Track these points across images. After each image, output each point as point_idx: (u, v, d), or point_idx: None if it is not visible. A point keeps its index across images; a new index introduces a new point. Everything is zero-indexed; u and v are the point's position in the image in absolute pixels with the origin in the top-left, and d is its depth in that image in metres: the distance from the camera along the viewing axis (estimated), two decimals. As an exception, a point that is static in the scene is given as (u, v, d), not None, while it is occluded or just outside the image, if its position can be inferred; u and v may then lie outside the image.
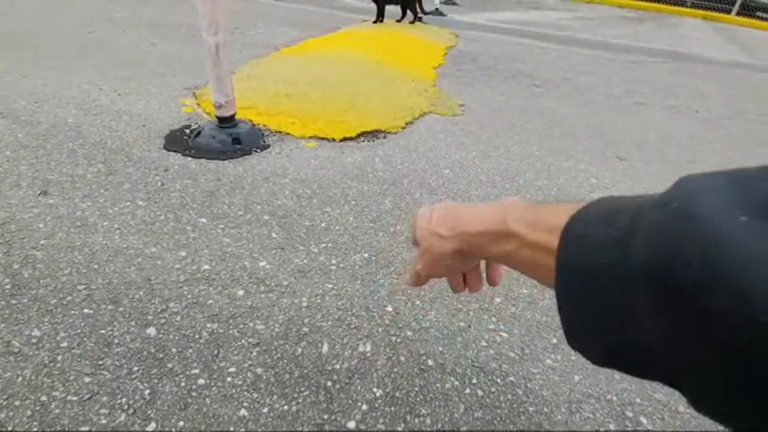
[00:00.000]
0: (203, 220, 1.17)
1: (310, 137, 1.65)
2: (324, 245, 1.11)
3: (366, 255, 1.10)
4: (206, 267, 1.01)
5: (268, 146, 1.57)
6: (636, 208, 0.20)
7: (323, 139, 1.66)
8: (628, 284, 0.18)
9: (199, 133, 1.56)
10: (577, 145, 1.90)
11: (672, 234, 0.16)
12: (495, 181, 1.52)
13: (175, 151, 1.48)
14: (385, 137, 1.73)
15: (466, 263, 0.36)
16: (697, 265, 0.15)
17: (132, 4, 3.80)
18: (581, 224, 0.23)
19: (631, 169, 1.73)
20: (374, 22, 3.95)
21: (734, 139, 2.24)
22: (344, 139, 1.66)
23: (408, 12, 4.04)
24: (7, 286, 0.92)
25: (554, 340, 0.93)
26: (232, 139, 1.52)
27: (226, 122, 1.54)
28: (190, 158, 1.45)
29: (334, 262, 1.07)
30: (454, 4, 6.03)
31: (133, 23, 3.13)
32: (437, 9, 4.99)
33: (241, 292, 0.96)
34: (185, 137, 1.58)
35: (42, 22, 2.93)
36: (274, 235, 1.14)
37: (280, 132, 1.67)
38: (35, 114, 1.66)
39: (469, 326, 0.94)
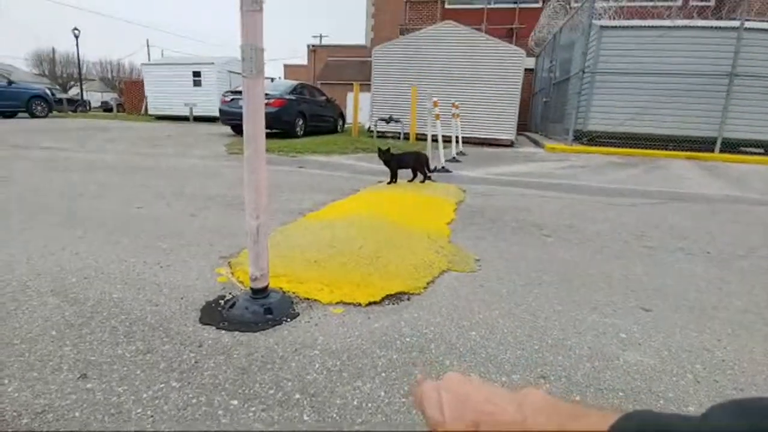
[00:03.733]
0: (235, 402, 1.16)
1: (337, 303, 1.72)
2: (357, 428, 1.08)
3: (401, 438, 1.05)
4: (237, 460, 0.97)
5: (298, 314, 1.63)
6: None
7: (349, 304, 1.72)
8: None
9: (233, 304, 1.65)
10: (597, 296, 1.92)
11: None
12: (523, 342, 1.51)
13: (209, 325, 1.54)
14: (408, 299, 1.80)
15: None
16: None
17: (175, 179, 4.36)
18: None
19: (659, 320, 1.71)
20: (388, 183, 4.41)
21: (753, 279, 2.24)
22: (370, 304, 1.72)
23: (418, 173, 4.53)
24: (34, 492, 0.89)
25: None
26: (264, 309, 1.60)
27: (259, 293, 1.63)
28: (223, 331, 1.51)
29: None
30: (457, 161, 6.76)
31: (177, 196, 3.56)
32: (443, 167, 5.58)
33: (273, 491, 0.90)
34: (219, 308, 1.66)
35: (97, 199, 3.35)
36: (305, 417, 1.11)
37: (308, 299, 1.75)
38: (84, 291, 1.79)
39: None
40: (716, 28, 8.88)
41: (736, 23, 8.69)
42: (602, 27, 9.31)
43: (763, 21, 9.07)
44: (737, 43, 8.54)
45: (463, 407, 0.33)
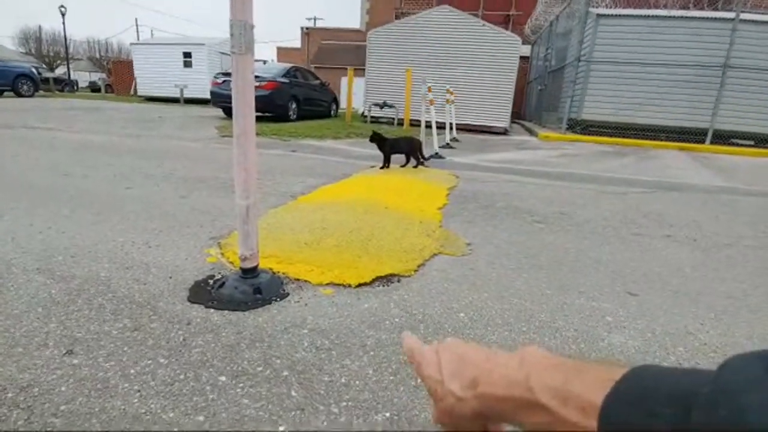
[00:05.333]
0: (223, 378, 1.16)
1: (327, 284, 1.72)
2: (344, 404, 1.09)
3: (388, 414, 1.06)
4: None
5: (287, 294, 1.63)
6: (679, 398, 0.20)
7: (339, 285, 1.73)
8: None
9: (222, 284, 1.64)
10: (585, 281, 1.94)
11: None
12: (511, 323, 1.53)
13: (198, 303, 1.54)
14: (398, 281, 1.80)
15: (491, 425, 0.32)
16: None
17: (166, 160, 4.30)
18: (620, 407, 0.22)
19: (644, 305, 1.74)
20: (381, 168, 4.38)
21: (739, 266, 2.28)
22: (360, 285, 1.72)
23: (411, 158, 4.51)
24: (20, 464, 0.88)
25: None
26: (254, 289, 1.59)
27: (249, 273, 1.63)
28: (212, 310, 1.50)
29: (355, 423, 1.03)
30: (450, 147, 6.74)
31: (167, 178, 3.51)
32: (437, 153, 5.57)
33: (259, 464, 0.91)
34: (209, 288, 1.66)
35: (85, 179, 3.30)
36: (293, 393, 1.12)
37: (298, 279, 1.75)
38: (71, 269, 1.77)
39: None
40: (712, 19, 8.87)
41: (731, 15, 8.69)
42: (599, 15, 9.26)
43: (758, 13, 9.07)
44: (732, 35, 8.56)
45: (462, 365, 0.32)
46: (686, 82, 9.06)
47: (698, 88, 9.03)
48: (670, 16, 8.98)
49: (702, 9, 9.81)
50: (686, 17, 8.95)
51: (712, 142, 8.95)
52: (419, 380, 1.20)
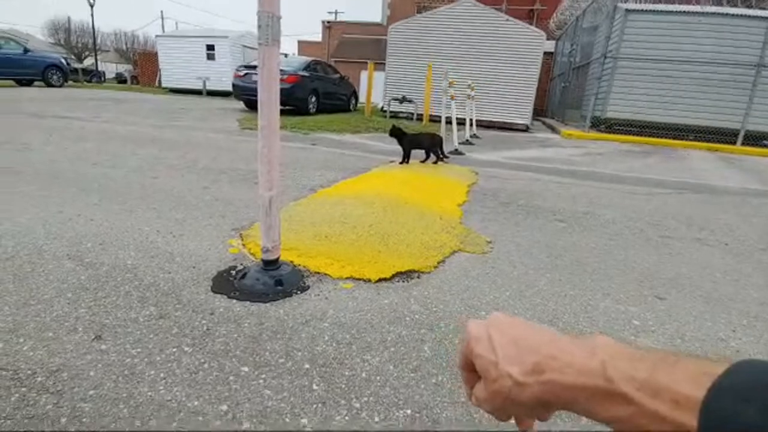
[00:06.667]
0: (245, 368, 1.17)
1: (347, 278, 1.72)
2: (365, 399, 1.09)
3: (409, 411, 1.05)
4: (247, 425, 0.99)
5: (308, 287, 1.64)
6: None
7: (359, 279, 1.72)
8: None
9: (244, 275, 1.65)
10: (611, 283, 1.90)
11: None
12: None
13: (221, 294, 1.55)
14: (418, 277, 1.79)
15: (547, 413, 0.30)
16: None
17: (189, 151, 4.36)
18: (728, 402, 0.20)
19: (673, 309, 1.69)
20: (401, 163, 4.36)
21: (772, 273, 2.19)
22: (380, 280, 1.72)
23: (431, 154, 4.48)
24: (51, 444, 0.91)
25: None
26: (275, 281, 1.60)
27: (270, 265, 1.64)
28: (235, 300, 1.52)
29: (376, 419, 1.03)
30: (470, 144, 6.67)
31: (190, 169, 3.56)
32: (456, 149, 5.51)
33: (281, 455, 0.91)
34: (231, 278, 1.67)
35: (112, 168, 3.37)
36: (314, 386, 1.12)
37: (318, 273, 1.76)
38: (99, 256, 1.82)
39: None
40: (746, 16, 8.51)
41: (766, 13, 8.32)
42: (627, 10, 8.98)
43: (797, 9, 8.66)
44: (766, 33, 8.20)
45: (521, 348, 0.29)
46: (717, 80, 8.72)
47: (730, 87, 8.69)
48: (702, 13, 8.65)
49: (735, 6, 9.42)
50: (719, 14, 8.61)
51: (743, 144, 8.61)
52: (440, 378, 1.19)
